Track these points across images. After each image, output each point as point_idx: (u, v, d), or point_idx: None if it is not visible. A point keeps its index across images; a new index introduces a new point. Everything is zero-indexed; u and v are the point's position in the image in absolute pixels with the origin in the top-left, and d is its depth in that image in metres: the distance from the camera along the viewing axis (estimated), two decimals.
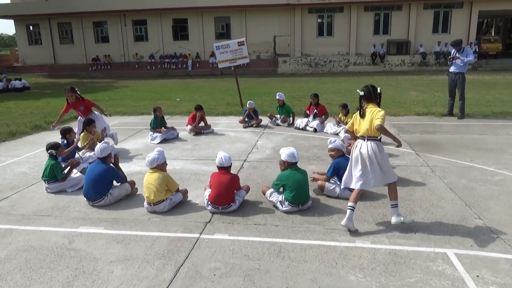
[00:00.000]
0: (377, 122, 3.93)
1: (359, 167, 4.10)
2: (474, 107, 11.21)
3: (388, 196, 4.23)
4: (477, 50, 27.22)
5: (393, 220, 4.08)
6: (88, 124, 7.08)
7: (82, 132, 7.13)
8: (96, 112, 7.87)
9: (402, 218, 4.05)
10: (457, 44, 9.79)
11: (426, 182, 5.54)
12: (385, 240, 3.92)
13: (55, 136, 8.38)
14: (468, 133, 8.45)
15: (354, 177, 4.16)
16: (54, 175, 5.42)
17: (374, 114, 4.02)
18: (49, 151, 5.52)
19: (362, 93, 4.20)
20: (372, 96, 4.16)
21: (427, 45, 27.65)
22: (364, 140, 4.11)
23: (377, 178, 4.06)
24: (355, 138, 5.95)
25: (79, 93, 7.74)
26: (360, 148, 4.10)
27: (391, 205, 4.14)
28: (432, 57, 27.19)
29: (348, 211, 4.07)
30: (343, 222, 4.07)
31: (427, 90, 15.96)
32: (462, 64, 9.72)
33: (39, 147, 7.97)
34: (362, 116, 4.15)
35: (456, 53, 9.77)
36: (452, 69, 10.00)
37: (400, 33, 28.91)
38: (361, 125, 4.14)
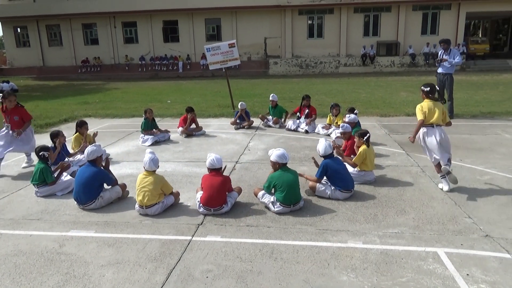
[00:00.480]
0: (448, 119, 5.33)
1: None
2: (462, 107, 11.36)
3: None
4: (465, 51, 27.60)
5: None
6: (80, 126, 7.01)
7: None
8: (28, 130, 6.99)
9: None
10: (445, 42, 9.92)
11: (417, 182, 5.60)
12: (376, 240, 3.95)
13: (45, 140, 8.29)
14: (457, 133, 8.54)
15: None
16: (43, 178, 5.35)
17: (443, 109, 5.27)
18: (40, 153, 5.44)
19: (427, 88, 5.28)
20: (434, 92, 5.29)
21: (416, 46, 27.94)
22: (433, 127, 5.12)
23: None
24: (347, 140, 6.02)
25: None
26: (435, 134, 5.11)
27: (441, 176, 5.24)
28: (421, 58, 27.49)
29: (443, 180, 5.24)
30: (447, 188, 5.17)
31: (417, 90, 16.03)
32: (449, 66, 9.85)
33: None
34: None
35: (443, 54, 9.90)
36: (440, 70, 10.13)
37: (389, 35, 29.18)
38: (434, 115, 5.11)
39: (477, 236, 3.98)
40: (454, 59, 9.72)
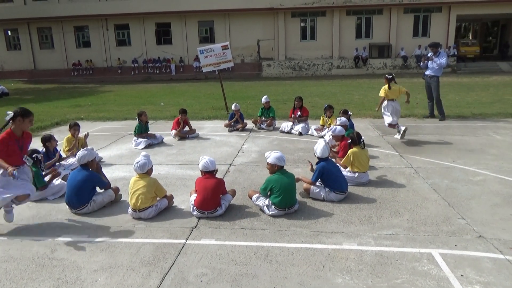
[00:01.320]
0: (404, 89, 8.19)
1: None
2: (454, 109, 11.46)
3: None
4: (456, 53, 27.89)
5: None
6: (70, 127, 6.94)
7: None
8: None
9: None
10: (435, 46, 10.01)
11: (410, 183, 5.62)
12: (371, 241, 3.95)
13: (36, 144, 8.22)
14: (449, 134, 8.62)
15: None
16: (34, 183, 5.27)
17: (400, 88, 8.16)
18: (33, 156, 5.36)
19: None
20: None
21: (408, 49, 28.19)
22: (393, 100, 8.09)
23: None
24: (341, 141, 6.07)
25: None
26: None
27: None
28: (413, 60, 27.71)
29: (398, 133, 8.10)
30: (399, 136, 8.01)
31: (409, 92, 16.20)
32: (437, 67, 9.92)
33: None
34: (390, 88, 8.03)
35: (432, 55, 10.01)
36: (427, 72, 10.22)
37: (381, 37, 29.39)
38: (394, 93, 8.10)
39: (470, 237, 4.00)
40: (439, 60, 9.81)
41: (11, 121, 4.32)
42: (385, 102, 8.24)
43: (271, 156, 4.75)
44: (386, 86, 8.18)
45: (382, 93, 8.23)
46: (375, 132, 9.07)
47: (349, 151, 5.63)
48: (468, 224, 4.28)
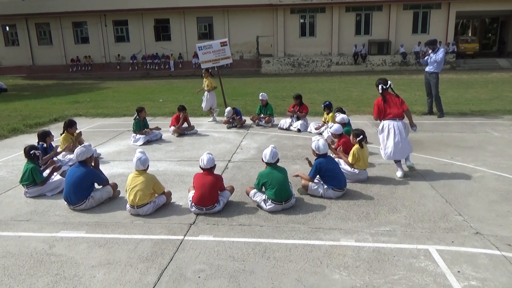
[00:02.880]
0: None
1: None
2: (453, 106, 11.47)
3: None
4: (455, 50, 27.87)
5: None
6: (70, 126, 6.93)
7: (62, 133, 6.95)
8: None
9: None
10: (432, 44, 10.02)
11: (408, 180, 5.62)
12: (368, 238, 3.96)
13: (34, 140, 8.21)
14: (447, 131, 8.63)
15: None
16: (33, 179, 5.28)
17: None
18: (31, 152, 5.36)
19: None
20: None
21: (407, 45, 28.16)
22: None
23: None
24: (339, 140, 6.02)
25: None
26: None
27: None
28: (412, 56, 27.69)
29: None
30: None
31: (408, 89, 16.24)
32: (435, 64, 9.91)
33: (17, 151, 7.76)
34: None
35: (429, 51, 10.02)
36: (427, 68, 10.22)
37: (381, 34, 29.35)
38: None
39: (467, 233, 4.01)
40: (437, 56, 9.81)
41: None
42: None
43: (263, 153, 4.82)
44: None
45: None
46: (373, 129, 9.07)
47: (354, 148, 5.58)
48: (465, 220, 4.29)
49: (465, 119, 9.85)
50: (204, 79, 10.96)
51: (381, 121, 5.76)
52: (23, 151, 5.55)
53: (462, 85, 17.37)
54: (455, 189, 5.22)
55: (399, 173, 5.75)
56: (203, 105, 10.99)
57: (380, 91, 5.77)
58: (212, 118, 10.80)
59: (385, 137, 5.66)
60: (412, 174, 5.85)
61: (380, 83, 5.79)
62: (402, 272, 3.35)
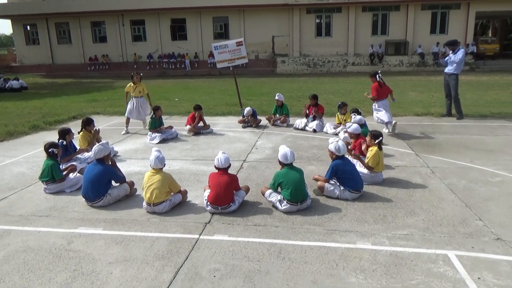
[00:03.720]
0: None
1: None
2: (472, 108, 11.23)
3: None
4: (475, 51, 27.31)
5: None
6: (88, 124, 7.04)
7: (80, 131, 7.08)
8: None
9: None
10: (451, 44, 9.83)
11: (426, 183, 5.53)
12: (385, 241, 3.90)
13: (54, 137, 8.35)
14: (467, 133, 8.45)
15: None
16: (52, 175, 5.38)
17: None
18: (49, 150, 5.47)
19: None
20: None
21: (425, 46, 27.72)
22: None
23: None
24: (355, 140, 5.98)
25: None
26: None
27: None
28: (430, 57, 27.25)
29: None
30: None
31: (426, 90, 15.99)
32: (455, 64, 9.71)
33: (37, 147, 7.92)
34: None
35: (449, 52, 9.84)
36: (446, 69, 10.03)
37: (398, 34, 28.97)
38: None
39: (488, 239, 3.92)
40: (456, 56, 9.63)
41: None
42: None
43: (278, 153, 4.81)
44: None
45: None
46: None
47: (375, 150, 5.46)
48: (486, 226, 4.20)
49: (485, 122, 9.64)
50: (133, 85, 9.41)
51: (377, 101, 8.55)
52: (43, 148, 5.66)
53: (481, 87, 17.00)
54: (474, 193, 5.11)
55: (386, 130, 8.48)
56: (135, 114, 9.36)
57: (378, 79, 8.51)
58: (125, 130, 9.28)
59: (378, 110, 8.57)
60: (429, 177, 5.75)
61: (377, 73, 8.59)
62: (420, 277, 3.29)
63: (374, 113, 8.66)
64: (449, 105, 10.31)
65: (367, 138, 5.71)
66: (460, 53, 9.66)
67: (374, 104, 8.65)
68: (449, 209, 4.65)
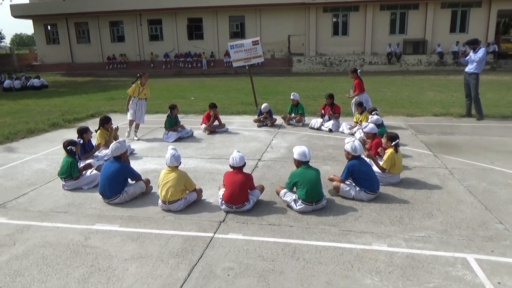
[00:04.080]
0: None
1: None
2: (493, 108, 10.95)
3: None
4: (496, 50, 26.63)
5: None
6: (106, 122, 7.15)
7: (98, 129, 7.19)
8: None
9: None
10: (472, 43, 9.61)
11: (444, 184, 5.42)
12: (402, 243, 3.84)
13: (72, 134, 8.50)
14: (487, 134, 8.25)
15: None
16: (70, 172, 5.48)
17: None
18: (68, 148, 5.58)
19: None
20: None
21: (445, 45, 27.17)
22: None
23: None
24: (371, 140, 5.90)
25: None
26: None
27: None
28: (450, 57, 26.70)
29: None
30: None
31: (445, 90, 15.68)
32: (475, 64, 9.48)
33: (57, 145, 8.09)
34: None
35: (470, 51, 9.64)
36: (466, 69, 9.81)
37: (416, 33, 28.49)
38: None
39: (509, 243, 3.81)
40: (477, 55, 9.41)
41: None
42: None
43: (295, 152, 4.77)
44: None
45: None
46: (408, 130, 8.82)
47: (389, 153, 5.39)
48: (507, 229, 4.08)
49: (507, 122, 9.39)
50: (139, 85, 8.60)
51: (359, 96, 9.21)
52: (62, 145, 5.77)
53: (503, 86, 16.57)
54: (495, 196, 4.98)
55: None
56: (135, 115, 8.66)
57: (358, 75, 9.33)
58: (132, 134, 8.70)
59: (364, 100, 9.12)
60: (448, 178, 5.63)
61: (357, 70, 9.43)
62: (437, 280, 3.23)
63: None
64: (469, 105, 10.08)
65: (383, 140, 5.63)
66: (481, 52, 9.43)
67: (355, 98, 9.25)
68: (468, 211, 4.54)
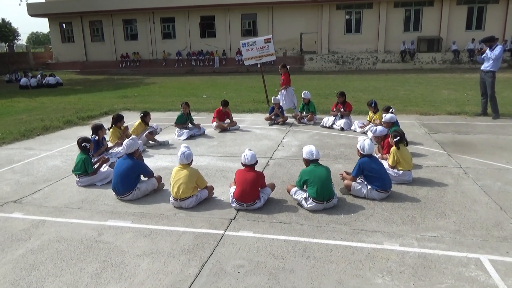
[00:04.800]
0: None
1: None
2: (509, 107, 10.73)
3: None
4: None
5: None
6: (118, 120, 7.25)
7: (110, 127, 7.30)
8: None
9: None
10: (488, 41, 9.43)
11: (458, 184, 5.34)
12: (414, 243, 3.80)
13: (86, 131, 8.63)
14: (503, 134, 8.09)
15: None
16: (85, 169, 5.57)
17: None
18: (82, 145, 5.67)
19: None
20: None
21: (460, 42, 26.70)
22: None
23: None
24: (383, 141, 5.83)
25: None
26: None
27: None
28: (465, 54, 26.24)
29: None
30: None
31: (460, 88, 15.42)
32: (492, 61, 9.29)
33: (71, 142, 8.22)
34: None
35: (487, 48, 9.45)
36: (482, 67, 9.63)
37: (431, 30, 28.06)
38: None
39: None
40: (494, 52, 9.22)
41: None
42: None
43: (303, 151, 4.78)
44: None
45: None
46: (421, 129, 8.70)
47: (392, 150, 5.44)
48: None
49: None
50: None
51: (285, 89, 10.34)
52: (76, 142, 5.86)
53: None
54: (510, 196, 4.88)
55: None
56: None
57: (288, 71, 10.57)
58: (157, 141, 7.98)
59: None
60: (462, 178, 5.55)
61: (286, 65, 10.62)
62: (450, 281, 3.19)
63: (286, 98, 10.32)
64: (484, 103, 9.90)
65: (390, 138, 5.63)
66: (498, 50, 9.25)
67: (282, 91, 10.52)
68: (483, 211, 4.47)
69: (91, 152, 5.87)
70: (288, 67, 10.83)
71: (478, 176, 5.60)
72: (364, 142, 4.94)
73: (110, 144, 7.07)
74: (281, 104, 9.98)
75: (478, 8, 27.44)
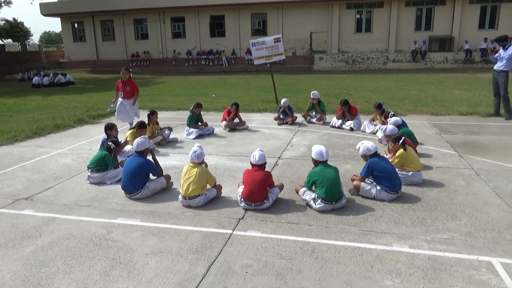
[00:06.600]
0: None
1: None
2: None
3: None
4: None
5: None
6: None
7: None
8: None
9: None
10: (502, 40, 9.29)
11: (470, 185, 5.27)
12: (424, 245, 3.76)
13: (97, 130, 8.73)
14: None
15: None
16: (102, 164, 5.67)
17: None
18: (108, 144, 5.84)
19: None
20: None
21: (473, 42, 26.32)
22: None
23: None
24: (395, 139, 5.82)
25: (131, 74, 9.38)
26: None
27: None
28: (478, 54, 25.86)
29: None
30: None
31: (472, 88, 15.21)
32: (505, 61, 9.14)
33: (82, 140, 8.30)
34: None
35: (500, 49, 9.30)
36: (495, 66, 9.48)
37: (443, 29, 27.70)
38: None
39: None
40: (507, 52, 9.07)
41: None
42: None
43: (312, 151, 4.77)
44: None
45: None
46: (432, 129, 8.60)
47: (398, 153, 5.40)
48: None
49: None
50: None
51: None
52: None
53: None
54: None
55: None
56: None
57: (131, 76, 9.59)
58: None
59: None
60: (474, 179, 5.47)
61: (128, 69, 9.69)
62: (460, 284, 3.14)
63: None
64: (497, 104, 9.75)
65: (390, 146, 5.70)
66: (511, 49, 9.10)
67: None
68: (494, 213, 4.40)
69: (112, 153, 5.94)
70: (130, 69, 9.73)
71: (490, 178, 5.51)
72: (363, 145, 4.97)
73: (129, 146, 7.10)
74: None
75: (491, 7, 27.01)
